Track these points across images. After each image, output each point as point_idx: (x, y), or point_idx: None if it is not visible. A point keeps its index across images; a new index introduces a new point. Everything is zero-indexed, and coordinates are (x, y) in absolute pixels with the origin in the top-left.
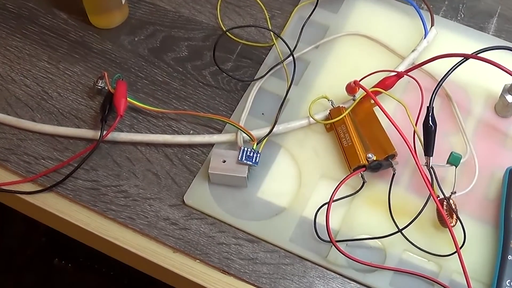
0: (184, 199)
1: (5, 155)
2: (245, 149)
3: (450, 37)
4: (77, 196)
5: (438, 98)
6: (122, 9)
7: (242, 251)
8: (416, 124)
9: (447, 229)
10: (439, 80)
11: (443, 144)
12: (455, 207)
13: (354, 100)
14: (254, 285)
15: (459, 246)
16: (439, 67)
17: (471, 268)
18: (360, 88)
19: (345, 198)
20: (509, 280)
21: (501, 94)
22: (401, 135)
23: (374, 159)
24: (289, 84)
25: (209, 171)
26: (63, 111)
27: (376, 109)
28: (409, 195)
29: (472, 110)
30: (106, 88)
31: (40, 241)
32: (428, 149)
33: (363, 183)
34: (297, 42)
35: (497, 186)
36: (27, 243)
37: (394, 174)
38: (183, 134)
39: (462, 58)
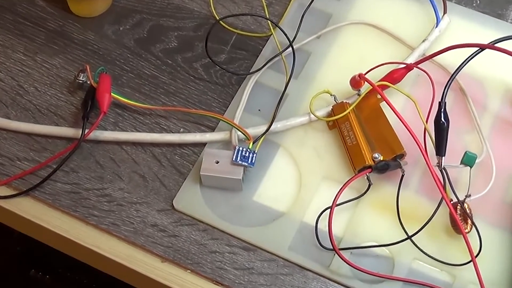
0: (174, 204)
1: None
2: (240, 148)
3: (464, 25)
4: (56, 201)
5: (451, 93)
6: None
7: (237, 260)
8: (427, 121)
9: (461, 235)
10: (452, 73)
11: (457, 142)
12: (470, 212)
13: (359, 95)
14: None
15: (475, 254)
16: (452, 59)
17: (488, 278)
18: (365, 82)
19: (349, 202)
20: None
21: None
22: (410, 133)
23: (381, 159)
24: (288, 77)
25: (200, 173)
26: (40, 107)
27: (383, 105)
28: (419, 198)
29: (488, 105)
30: (88, 82)
31: (15, 250)
32: (440, 148)
33: (369, 185)
34: (297, 31)
35: None
36: (0, 252)
37: (402, 176)
38: (172, 132)
39: (478, 48)
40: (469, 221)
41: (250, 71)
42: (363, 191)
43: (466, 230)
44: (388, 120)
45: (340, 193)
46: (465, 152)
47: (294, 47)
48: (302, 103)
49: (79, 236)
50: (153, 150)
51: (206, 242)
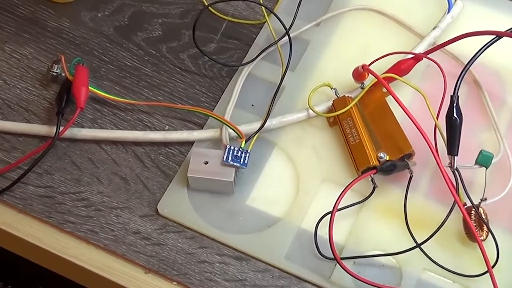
0: (158, 209)
1: None
2: (232, 148)
3: (479, 11)
4: (27, 206)
5: (464, 85)
6: None
7: (228, 270)
8: (437, 117)
9: (476, 243)
10: (465, 64)
11: (471, 141)
12: (486, 217)
13: (362, 88)
14: None
15: (491, 264)
16: (466, 48)
17: None
18: (369, 74)
19: (352, 207)
20: None
21: None
22: (419, 131)
23: (387, 159)
24: (284, 69)
25: (188, 175)
26: (10, 102)
27: (389, 99)
28: (429, 202)
29: (506, 99)
30: (63, 74)
31: None
32: (452, 147)
33: (374, 188)
34: (294, 18)
35: None
36: None
37: (411, 178)
38: (156, 130)
39: (495, 36)
40: (485, 228)
41: (242, 62)
42: (367, 195)
43: (482, 238)
44: (394, 116)
45: (342, 197)
46: (480, 151)
47: (290, 35)
48: (300, 98)
49: (53, 245)
50: (136, 150)
51: (194, 251)
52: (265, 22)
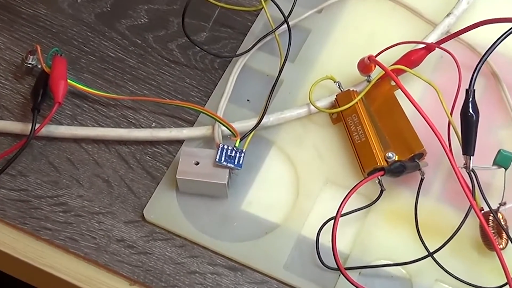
0: (144, 214)
1: None
2: (225, 147)
3: None
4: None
5: (481, 78)
6: None
7: (222, 282)
8: (451, 113)
9: (494, 252)
10: (482, 54)
11: (488, 139)
12: (505, 223)
13: (369, 81)
14: None
15: None
16: (483, 37)
17: None
18: (376, 66)
19: (358, 212)
20: None
21: None
22: (431, 128)
23: (396, 159)
24: (282, 60)
25: (177, 177)
26: None
27: (398, 93)
28: (443, 207)
29: None
30: (39, 66)
31: None
32: (468, 146)
33: (381, 191)
34: (293, 4)
35: None
36: None
37: (422, 180)
38: (142, 127)
39: None
40: (504, 235)
41: (237, 53)
42: (374, 198)
43: (501, 246)
44: (404, 112)
45: (346, 201)
46: (499, 151)
47: (290, 23)
48: (300, 92)
49: (28, 254)
50: (119, 149)
51: (184, 261)
52: (261, 8)
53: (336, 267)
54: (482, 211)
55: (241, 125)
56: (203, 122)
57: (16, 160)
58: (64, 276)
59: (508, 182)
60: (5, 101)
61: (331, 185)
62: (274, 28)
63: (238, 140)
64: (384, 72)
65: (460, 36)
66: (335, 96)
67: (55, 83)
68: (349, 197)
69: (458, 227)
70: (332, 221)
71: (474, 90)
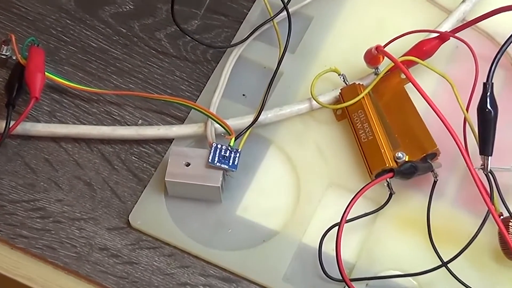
0: (130, 220)
1: None
2: (219, 146)
3: None
4: None
5: (500, 70)
6: None
7: None
8: (467, 109)
9: None
10: (502, 44)
11: (508, 137)
12: None
13: (376, 74)
14: None
15: None
16: (502, 25)
17: None
18: (385, 57)
19: (364, 217)
20: None
21: None
22: (445, 125)
23: (406, 160)
24: (281, 51)
25: (165, 179)
26: None
27: (409, 87)
28: (458, 212)
29: None
30: (14, 57)
31: None
32: (486, 145)
33: (390, 195)
34: None
35: None
36: None
37: (435, 182)
38: (128, 125)
39: None
40: None
41: (231, 43)
42: (383, 203)
43: None
44: (415, 108)
45: (352, 206)
46: None
47: (289, 10)
48: (301, 86)
49: (2, 264)
50: (102, 149)
51: (173, 271)
52: None
53: (341, 278)
54: (501, 217)
55: (236, 122)
56: (195, 119)
57: None
58: None
59: None
60: None
61: (335, 188)
62: (272, 15)
63: (233, 139)
64: (393, 64)
65: (477, 24)
66: (340, 91)
67: (31, 76)
68: (355, 201)
69: (475, 234)
70: (336, 227)
71: (492, 83)
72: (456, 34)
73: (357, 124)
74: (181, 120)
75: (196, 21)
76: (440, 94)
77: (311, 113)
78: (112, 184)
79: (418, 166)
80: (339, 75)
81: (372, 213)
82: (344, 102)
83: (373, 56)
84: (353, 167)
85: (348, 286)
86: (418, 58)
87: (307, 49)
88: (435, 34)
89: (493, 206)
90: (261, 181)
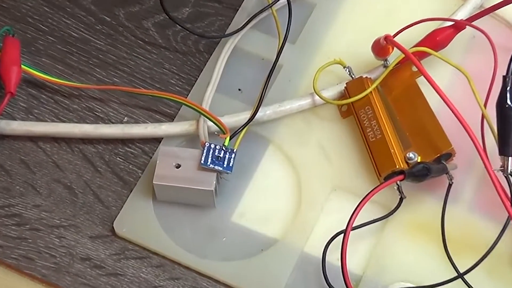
0: (115, 227)
1: None
2: (212, 146)
3: None
4: None
5: None
6: None
7: None
8: (485, 105)
9: None
10: None
11: None
12: None
13: (385, 66)
14: None
15: None
16: None
17: None
18: (395, 48)
19: (372, 224)
20: None
21: None
22: (461, 123)
23: (418, 161)
24: (281, 41)
25: (154, 182)
26: None
27: (421, 81)
28: (475, 218)
29: None
30: None
31: None
32: (506, 144)
33: (401, 199)
34: None
35: None
36: None
37: (450, 185)
38: (112, 123)
39: None
40: None
41: (226, 33)
42: (392, 208)
43: None
44: (428, 104)
45: (359, 211)
46: None
47: None
48: (302, 80)
49: None
50: (84, 149)
51: (163, 283)
52: None
53: None
54: None
55: (231, 120)
56: (186, 116)
57: None
58: None
59: None
60: None
61: (340, 192)
62: (271, 2)
63: (228, 138)
64: (404, 56)
65: (495, 11)
66: (345, 85)
67: (6, 69)
68: (362, 206)
69: (494, 242)
70: (342, 235)
71: None
72: (473, 23)
73: (364, 122)
74: (170, 118)
75: (187, 9)
76: (455, 88)
77: (314, 110)
78: (95, 188)
79: (432, 168)
80: (344, 67)
81: (381, 220)
82: (350, 97)
83: (381, 47)
84: (360, 169)
85: None
86: (431, 49)
87: (309, 39)
88: (450, 23)
89: None
90: (259, 184)
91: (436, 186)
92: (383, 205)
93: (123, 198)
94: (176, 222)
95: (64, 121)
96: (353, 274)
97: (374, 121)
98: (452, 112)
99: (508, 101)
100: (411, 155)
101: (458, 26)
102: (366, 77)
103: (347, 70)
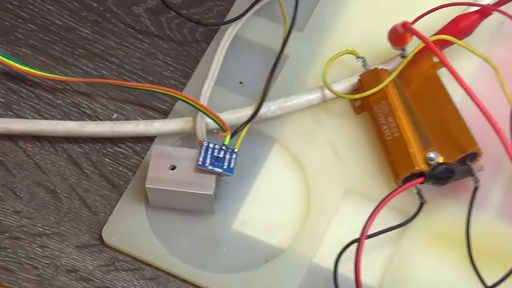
0: (103, 235)
1: None
2: (211, 146)
3: None
4: None
5: None
6: None
7: None
8: None
9: None
10: None
11: None
12: None
13: (403, 57)
14: None
15: None
16: None
17: None
18: (414, 36)
19: (389, 232)
20: None
21: None
22: (487, 119)
23: (440, 161)
24: (287, 29)
25: (146, 186)
26: None
27: (443, 73)
28: (504, 225)
29: None
30: None
31: None
32: None
33: (421, 204)
34: None
35: None
36: None
37: (476, 189)
38: (100, 119)
39: None
40: None
41: (226, 20)
42: (411, 215)
43: None
44: (451, 98)
45: (374, 218)
46: None
47: None
48: (311, 71)
49: None
50: (69, 149)
51: None
52: None
53: None
54: None
55: (232, 117)
56: (181, 113)
57: None
58: None
59: None
60: None
61: (353, 196)
62: None
63: (229, 137)
64: (424, 45)
65: None
66: (359, 77)
67: None
68: (378, 212)
69: None
70: (355, 245)
71: None
72: (501, 8)
73: (380, 118)
74: (164, 114)
75: None
76: (481, 80)
77: (324, 105)
78: (81, 192)
79: (455, 169)
80: (357, 58)
81: (399, 227)
82: (363, 91)
83: (399, 35)
84: (375, 171)
85: None
86: (454, 37)
87: (318, 27)
88: (475, 8)
89: None
90: (263, 188)
91: (460, 190)
92: (401, 211)
93: (112, 203)
94: (171, 230)
95: (46, 118)
96: (368, 287)
97: (391, 117)
98: (478, 107)
99: None
100: (432, 155)
101: (484, 12)
102: (382, 68)
103: (361, 60)
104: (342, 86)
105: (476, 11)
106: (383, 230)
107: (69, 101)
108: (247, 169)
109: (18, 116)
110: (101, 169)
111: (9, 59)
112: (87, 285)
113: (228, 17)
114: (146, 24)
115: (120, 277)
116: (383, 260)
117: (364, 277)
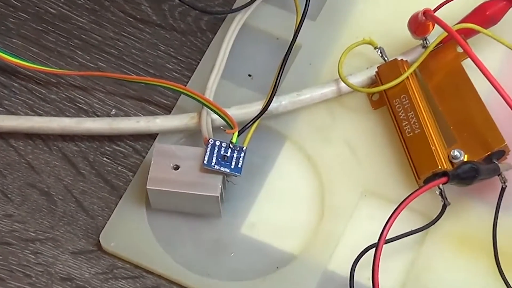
0: (101, 241)
1: None
2: (217, 144)
3: None
4: None
5: None
6: None
7: None
8: None
9: None
10: None
11: None
12: None
13: (424, 47)
14: None
15: None
16: None
17: None
18: (436, 25)
19: (410, 236)
20: None
21: None
22: None
23: (465, 160)
24: (299, 18)
25: (147, 187)
26: None
27: (468, 64)
28: None
29: None
30: None
31: None
32: None
33: (444, 206)
34: None
35: None
36: None
37: (503, 189)
38: (97, 116)
39: None
40: None
41: (233, 7)
42: (434, 217)
43: None
44: (476, 91)
45: (393, 221)
46: None
47: None
48: (325, 63)
49: None
50: (64, 148)
51: None
52: None
53: None
54: None
55: (240, 112)
56: (185, 108)
57: None
58: None
59: None
60: None
61: (371, 198)
62: None
63: (236, 134)
64: (446, 34)
65: None
66: (376, 69)
67: None
68: (397, 215)
69: None
70: (373, 250)
71: None
72: None
73: (400, 113)
74: (167, 110)
75: None
76: (509, 72)
77: (339, 99)
78: (77, 194)
79: (481, 169)
80: (375, 48)
81: (420, 231)
82: (382, 84)
83: (420, 24)
84: (394, 170)
85: None
86: (479, 25)
87: (332, 14)
88: None
89: None
90: (274, 189)
91: (486, 190)
92: (423, 213)
93: (111, 206)
94: (174, 234)
95: (40, 114)
96: None
97: (412, 112)
98: (505, 101)
99: None
100: (456, 153)
101: None
102: (402, 59)
103: (379, 51)
104: (358, 79)
105: None
106: (403, 234)
107: (64, 96)
108: (256, 168)
109: (10, 112)
110: (99, 169)
111: (0, 51)
112: None
113: (236, 5)
114: (147, 12)
115: (119, 286)
116: (403, 267)
117: (383, 284)
